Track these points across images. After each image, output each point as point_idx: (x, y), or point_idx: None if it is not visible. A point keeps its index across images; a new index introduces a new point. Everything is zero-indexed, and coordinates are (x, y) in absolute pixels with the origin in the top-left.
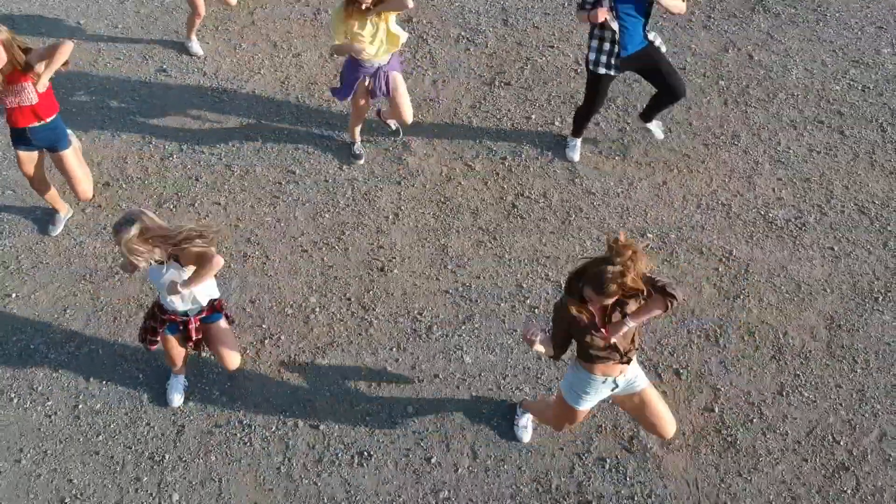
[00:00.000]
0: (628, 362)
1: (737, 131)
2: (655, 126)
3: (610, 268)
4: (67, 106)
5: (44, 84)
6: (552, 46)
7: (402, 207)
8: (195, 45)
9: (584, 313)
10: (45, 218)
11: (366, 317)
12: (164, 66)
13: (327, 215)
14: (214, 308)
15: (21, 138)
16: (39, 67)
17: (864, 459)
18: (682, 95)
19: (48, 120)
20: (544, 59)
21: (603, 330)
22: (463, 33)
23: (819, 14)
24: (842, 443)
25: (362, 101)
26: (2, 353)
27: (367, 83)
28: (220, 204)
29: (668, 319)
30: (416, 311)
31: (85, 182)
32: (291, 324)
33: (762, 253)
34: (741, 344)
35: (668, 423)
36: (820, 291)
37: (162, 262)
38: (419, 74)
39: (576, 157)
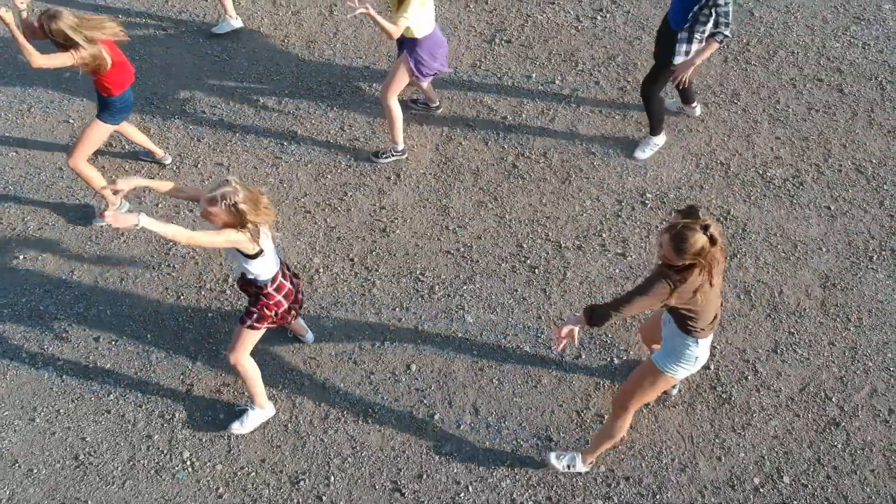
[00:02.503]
0: None
1: (737, 90)
2: (650, 142)
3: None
4: None
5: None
6: (552, 2)
7: (404, 168)
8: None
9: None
10: (51, 182)
11: (369, 277)
12: (164, 24)
13: (329, 176)
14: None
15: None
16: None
17: (854, 415)
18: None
19: (100, 93)
20: (545, 15)
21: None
22: None
23: None
24: (833, 399)
25: None
26: (12, 315)
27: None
28: (222, 165)
29: None
30: (418, 272)
31: (77, 151)
32: None
33: (760, 212)
34: (737, 303)
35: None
36: (816, 250)
37: None
38: None
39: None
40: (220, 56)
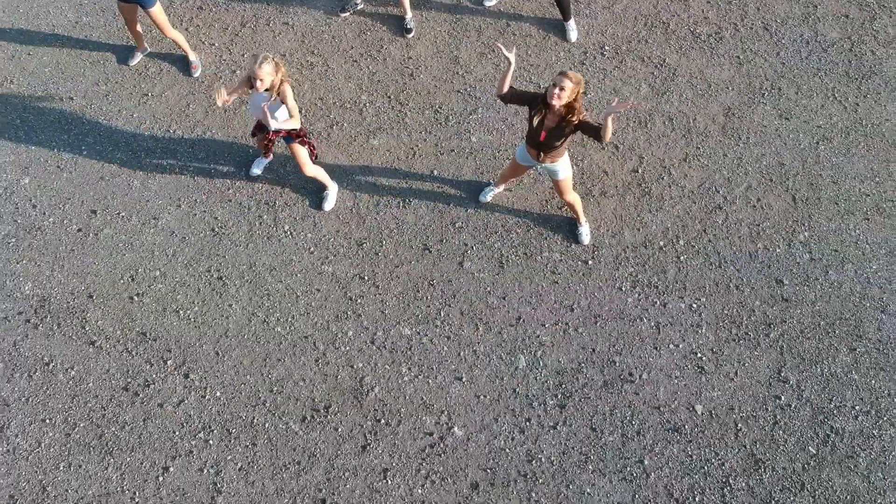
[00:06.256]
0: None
1: None
2: (571, 27)
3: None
4: None
5: None
6: None
7: (424, 26)
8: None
9: (542, 108)
10: (160, 38)
11: (402, 110)
12: None
13: (369, 32)
14: (290, 135)
15: None
16: None
17: (733, 203)
18: (559, 4)
19: None
20: None
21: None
22: None
23: None
24: (720, 192)
25: None
26: (151, 137)
27: None
28: (288, 24)
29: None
30: (437, 105)
31: (166, 27)
32: (350, 114)
33: (687, 61)
34: (663, 127)
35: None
36: (724, 89)
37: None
38: None
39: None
40: None
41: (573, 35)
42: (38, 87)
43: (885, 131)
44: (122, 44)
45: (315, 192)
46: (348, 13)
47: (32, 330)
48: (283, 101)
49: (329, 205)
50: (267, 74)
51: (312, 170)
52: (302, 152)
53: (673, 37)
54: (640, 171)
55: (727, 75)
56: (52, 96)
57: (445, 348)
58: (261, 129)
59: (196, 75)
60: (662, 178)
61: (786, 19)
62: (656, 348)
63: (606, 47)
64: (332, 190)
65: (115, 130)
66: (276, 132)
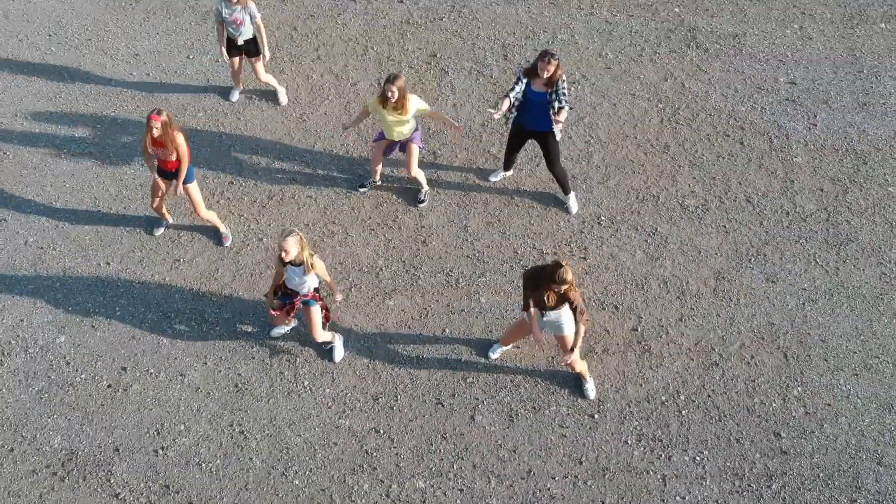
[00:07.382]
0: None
1: (668, 142)
2: (572, 200)
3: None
4: (191, 123)
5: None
6: None
7: (436, 199)
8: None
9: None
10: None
11: (415, 273)
12: (254, 97)
13: (385, 205)
14: (313, 297)
15: (162, 173)
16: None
17: (728, 359)
18: (558, 181)
19: (176, 170)
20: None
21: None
22: (474, 66)
23: (737, 49)
24: (716, 350)
25: (378, 154)
26: (181, 299)
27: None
28: (311, 197)
29: (613, 273)
30: (448, 269)
31: (200, 206)
32: (367, 277)
33: (677, 229)
34: (658, 289)
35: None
36: (713, 255)
37: (295, 264)
38: (443, 99)
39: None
40: (301, 117)
41: (572, 208)
42: (78, 253)
43: (866, 293)
44: (157, 215)
45: (332, 350)
46: (367, 189)
47: (59, 483)
48: (317, 274)
49: (338, 356)
50: (291, 246)
51: (322, 335)
52: (317, 316)
53: (663, 208)
54: (639, 329)
55: (715, 242)
56: (91, 261)
57: (459, 501)
58: (285, 296)
59: (227, 245)
60: (661, 337)
61: (766, 192)
62: (664, 500)
63: (602, 217)
64: (339, 342)
65: (148, 293)
66: (304, 295)
